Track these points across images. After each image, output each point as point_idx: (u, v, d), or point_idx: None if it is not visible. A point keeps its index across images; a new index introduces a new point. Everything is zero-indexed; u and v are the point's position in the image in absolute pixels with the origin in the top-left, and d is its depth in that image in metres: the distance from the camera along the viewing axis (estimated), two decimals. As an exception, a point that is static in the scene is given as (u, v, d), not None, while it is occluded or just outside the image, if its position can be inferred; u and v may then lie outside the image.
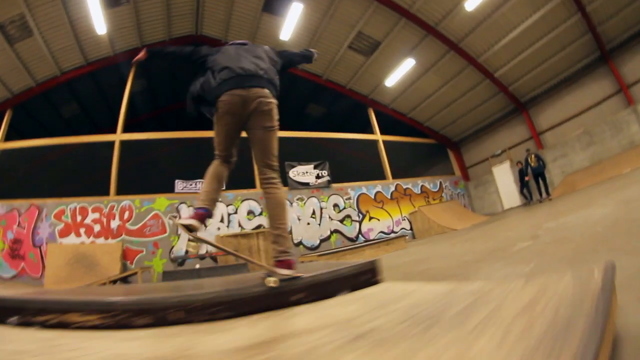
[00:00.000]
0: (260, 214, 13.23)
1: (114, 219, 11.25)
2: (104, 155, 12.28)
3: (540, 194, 14.54)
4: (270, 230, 2.57)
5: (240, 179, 12.07)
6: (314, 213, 14.65)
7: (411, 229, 16.65)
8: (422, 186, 18.92)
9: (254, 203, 13.43)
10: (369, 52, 17.14)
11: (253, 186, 13.39)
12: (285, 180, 14.47)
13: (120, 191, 11.97)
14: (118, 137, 12.91)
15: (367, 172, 17.52)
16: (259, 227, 12.77)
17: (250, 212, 13.23)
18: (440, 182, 19.89)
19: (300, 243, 13.77)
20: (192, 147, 13.07)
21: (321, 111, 22.29)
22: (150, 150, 13.42)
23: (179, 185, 12.50)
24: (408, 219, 16.63)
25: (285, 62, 3.18)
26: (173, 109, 19.93)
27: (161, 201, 11.87)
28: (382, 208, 16.33)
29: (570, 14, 13.69)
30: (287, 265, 2.37)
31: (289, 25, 14.98)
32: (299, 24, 15.18)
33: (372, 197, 16.31)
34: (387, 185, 17.56)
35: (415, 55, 16.71)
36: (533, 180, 14.71)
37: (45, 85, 14.00)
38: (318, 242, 14.19)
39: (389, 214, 16.47)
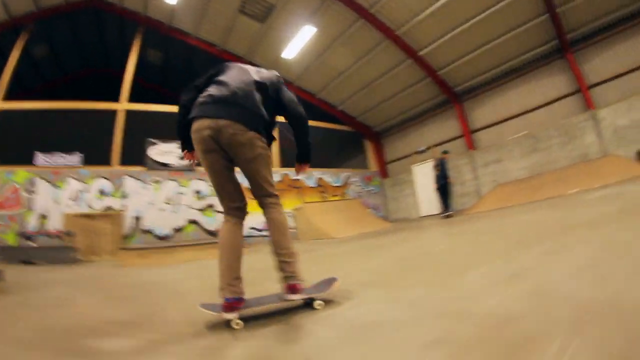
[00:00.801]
0: (110, 194, 11.90)
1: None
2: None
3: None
4: (274, 255, 2.28)
5: (96, 155, 11.93)
6: (170, 199, 12.74)
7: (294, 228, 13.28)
8: (319, 179, 16.27)
9: (106, 182, 11.93)
10: (262, 18, 13.96)
11: (108, 163, 12.21)
12: (142, 159, 12.84)
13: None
14: None
15: None
16: (109, 208, 11.59)
17: (101, 192, 11.78)
18: (347, 176, 17.00)
19: (149, 231, 11.99)
20: (58, 118, 12.14)
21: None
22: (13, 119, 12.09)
23: (40, 158, 11.45)
24: (292, 216, 13.22)
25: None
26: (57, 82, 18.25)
27: (22, 174, 10.89)
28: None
29: None
30: (293, 289, 2.17)
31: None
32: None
33: (246, 185, 12.80)
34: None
35: (316, 22, 13.40)
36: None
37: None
38: (171, 231, 12.34)
39: None
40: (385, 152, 18.99)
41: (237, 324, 1.99)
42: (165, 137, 13.00)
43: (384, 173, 18.74)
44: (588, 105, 11.31)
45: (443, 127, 15.88)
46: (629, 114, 10.49)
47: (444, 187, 11.49)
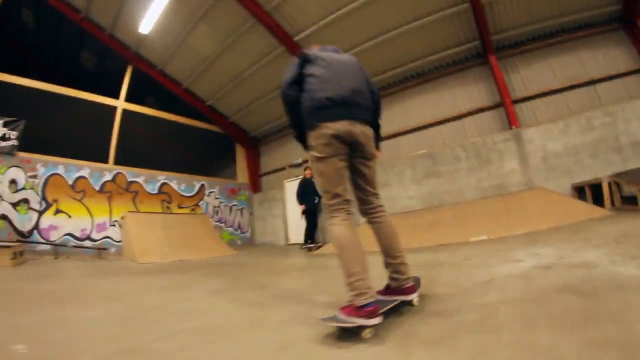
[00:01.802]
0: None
1: None
2: None
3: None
4: (389, 259, 2.28)
5: None
6: None
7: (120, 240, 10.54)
8: (163, 184, 12.34)
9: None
10: None
11: None
12: None
13: None
14: None
15: (82, 146, 11.16)
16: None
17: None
18: (202, 185, 13.14)
19: None
20: None
21: (94, 64, 15.27)
22: None
23: None
24: (119, 225, 10.69)
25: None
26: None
27: None
28: (80, 201, 10.34)
29: None
30: (413, 290, 2.26)
31: None
32: None
33: (70, 182, 10.35)
34: (102, 172, 10.98)
35: None
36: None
37: None
38: None
39: (89, 212, 10.42)
40: (260, 163, 14.77)
41: (370, 331, 1.78)
42: None
43: (255, 187, 14.52)
44: (511, 122, 8.23)
45: None
46: (564, 138, 7.41)
47: (312, 212, 9.33)
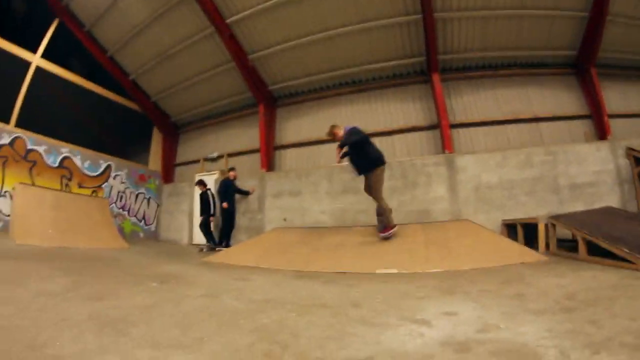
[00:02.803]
0: None
1: None
2: None
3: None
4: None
5: None
6: None
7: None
8: (65, 158, 10.41)
9: None
10: None
11: None
12: None
13: None
14: None
15: None
16: None
17: None
18: (109, 165, 11.59)
19: None
20: None
21: (22, 9, 12.26)
22: None
23: None
24: (11, 196, 8.77)
25: None
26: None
27: None
28: None
29: None
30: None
31: None
32: None
33: None
34: (0, 132, 9.09)
35: None
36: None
37: None
38: None
39: None
40: (177, 151, 13.11)
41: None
42: None
43: (167, 177, 12.75)
44: (445, 146, 7.28)
45: (245, 134, 10.58)
46: (500, 170, 6.58)
47: (231, 213, 8.92)
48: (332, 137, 6.02)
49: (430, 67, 7.95)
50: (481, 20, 7.36)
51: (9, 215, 8.28)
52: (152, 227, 11.98)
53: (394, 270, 4.32)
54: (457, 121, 7.73)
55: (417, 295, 3.00)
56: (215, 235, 9.16)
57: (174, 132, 12.72)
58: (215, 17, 8.35)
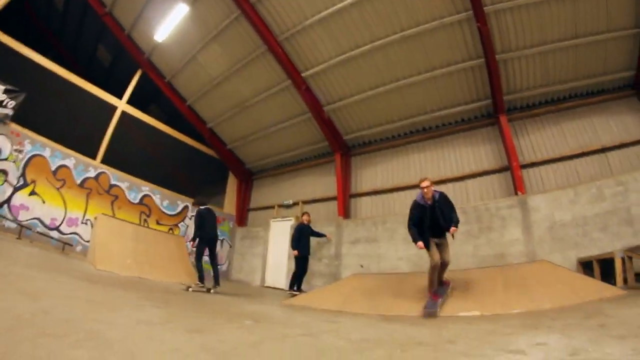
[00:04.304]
0: None
1: None
2: None
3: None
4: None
5: None
6: None
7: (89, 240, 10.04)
8: (145, 195, 12.00)
9: None
10: None
11: None
12: None
13: None
14: None
15: (74, 136, 11.16)
16: None
17: None
18: (186, 206, 12.77)
19: None
20: None
21: (108, 61, 15.59)
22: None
23: None
24: (92, 224, 10.17)
25: None
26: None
27: None
28: (58, 190, 10.16)
29: (456, 7, 7.89)
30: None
31: None
32: None
33: (53, 168, 10.22)
34: (87, 167, 10.81)
35: (191, 2, 9.84)
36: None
37: None
38: None
39: (64, 203, 10.18)
40: (251, 197, 14.33)
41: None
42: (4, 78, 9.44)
43: (240, 220, 13.98)
44: (517, 187, 7.74)
45: (320, 182, 11.66)
46: (573, 207, 6.89)
47: (304, 259, 9.27)
48: (426, 191, 5.67)
49: (496, 109, 8.59)
50: (540, 57, 7.83)
51: (88, 241, 9.74)
52: (223, 267, 13.07)
53: (476, 313, 4.82)
54: (527, 161, 8.17)
55: (503, 332, 3.37)
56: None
57: (248, 178, 14.13)
58: (292, 71, 9.67)
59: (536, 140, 8.32)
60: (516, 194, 7.75)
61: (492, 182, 8.46)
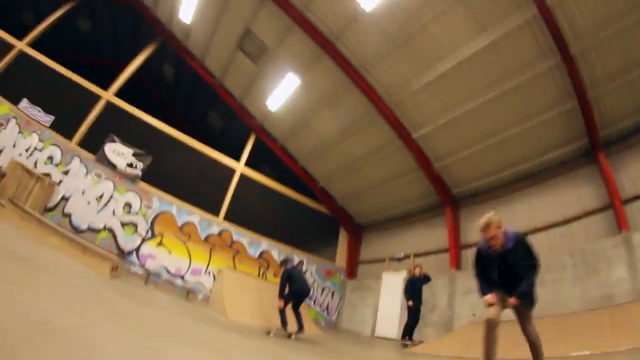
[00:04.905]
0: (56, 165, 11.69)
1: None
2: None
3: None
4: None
5: (65, 126, 12.15)
6: (101, 197, 11.86)
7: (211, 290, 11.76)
8: (264, 251, 13.68)
9: (58, 152, 11.85)
10: (256, 58, 12.62)
11: (70, 137, 12.21)
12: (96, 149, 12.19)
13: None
14: (21, 45, 12.73)
15: (197, 195, 13.32)
16: (46, 174, 11.12)
17: (50, 158, 11.70)
18: (302, 261, 13.56)
19: (68, 215, 11.07)
20: (58, 80, 12.65)
21: (219, 125, 18.67)
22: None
23: (24, 104, 11.99)
24: (214, 276, 11.91)
25: None
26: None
27: (4, 107, 11.50)
28: (183, 243, 12.09)
29: (544, 54, 8.42)
30: None
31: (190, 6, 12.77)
32: (200, 7, 12.65)
33: (179, 223, 12.33)
34: (210, 223, 12.82)
35: (303, 73, 11.79)
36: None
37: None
38: (86, 226, 11.27)
39: (189, 255, 12.10)
40: (360, 250, 15.45)
41: None
42: (132, 141, 12.37)
43: (350, 273, 15.09)
44: (620, 225, 7.72)
45: (431, 234, 12.27)
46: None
47: (417, 309, 9.47)
48: (488, 234, 4.00)
49: (593, 147, 8.83)
50: (629, 82, 7.88)
51: (210, 290, 11.38)
52: (332, 318, 14.21)
53: (587, 352, 5.25)
54: (628, 195, 8.11)
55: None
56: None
57: (359, 232, 15.48)
58: (402, 132, 11.02)
59: (636, 171, 8.27)
60: (620, 232, 7.75)
61: (596, 222, 8.47)
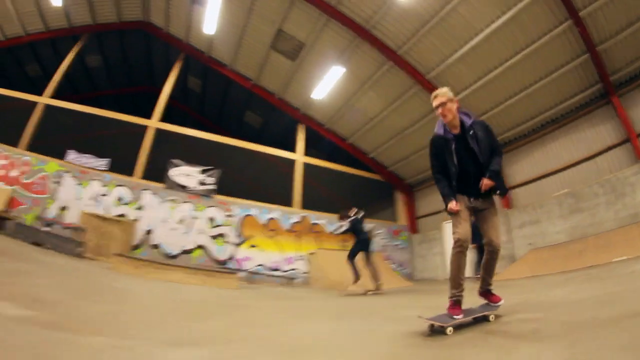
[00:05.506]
0: (127, 203, 12.40)
1: (14, 168, 11.60)
2: (26, 113, 13.02)
3: None
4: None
5: (123, 165, 12.65)
6: (183, 220, 12.83)
7: (307, 272, 13.19)
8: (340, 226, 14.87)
9: (126, 191, 12.53)
10: (293, 55, 14.21)
11: (131, 174, 12.85)
12: (161, 178, 13.18)
13: (28, 147, 12.37)
14: (44, 100, 13.40)
15: (270, 193, 15.05)
16: (122, 215, 11.90)
17: (119, 199, 12.34)
18: (373, 228, 15.22)
19: (157, 246, 11.99)
20: (96, 123, 13.61)
21: (258, 121, 20.10)
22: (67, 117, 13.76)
23: (72, 155, 12.44)
24: (307, 259, 13.20)
25: None
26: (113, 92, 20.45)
27: (52, 165, 11.90)
28: (272, 238, 13.52)
29: (558, 19, 10.05)
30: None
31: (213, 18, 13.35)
32: (223, 17, 13.57)
33: (263, 222, 13.70)
34: (290, 214, 14.36)
35: (344, 63, 13.25)
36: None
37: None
38: (179, 251, 12.27)
39: (280, 248, 13.52)
40: (416, 207, 17.76)
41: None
42: (190, 160, 13.40)
43: (413, 228, 17.31)
44: (638, 156, 9.76)
45: None
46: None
47: (481, 248, 10.77)
48: (437, 100, 3.41)
49: (607, 91, 10.51)
50: (632, 34, 9.39)
51: (305, 273, 12.70)
52: (407, 270, 16.16)
53: (625, 257, 7.08)
54: None
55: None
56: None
57: (411, 191, 17.72)
58: None
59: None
60: (638, 161, 9.56)
61: (617, 155, 10.27)
